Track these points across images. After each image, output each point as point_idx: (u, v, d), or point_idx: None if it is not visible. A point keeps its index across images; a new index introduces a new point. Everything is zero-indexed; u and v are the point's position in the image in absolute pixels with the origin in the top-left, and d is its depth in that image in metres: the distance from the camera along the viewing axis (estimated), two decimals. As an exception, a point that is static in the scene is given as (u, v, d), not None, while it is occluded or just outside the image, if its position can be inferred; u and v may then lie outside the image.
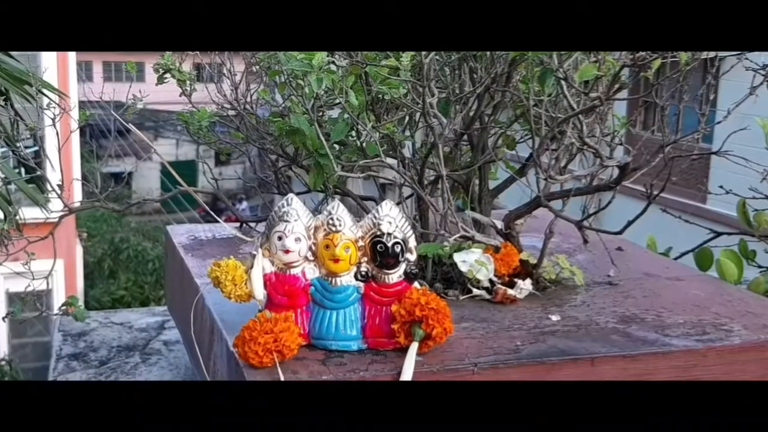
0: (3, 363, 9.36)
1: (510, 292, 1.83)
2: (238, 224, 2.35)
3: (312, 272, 1.57)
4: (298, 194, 1.69)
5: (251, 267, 1.56)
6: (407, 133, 2.09)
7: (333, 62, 1.80)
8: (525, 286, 1.85)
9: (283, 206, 1.58)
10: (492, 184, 2.10)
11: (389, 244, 1.54)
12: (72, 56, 10.28)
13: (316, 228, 1.57)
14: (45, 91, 2.65)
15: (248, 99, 2.29)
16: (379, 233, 1.55)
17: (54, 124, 2.18)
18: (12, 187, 3.02)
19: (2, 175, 2.80)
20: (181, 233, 2.39)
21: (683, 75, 1.75)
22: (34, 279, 2.19)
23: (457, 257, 1.85)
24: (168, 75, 2.21)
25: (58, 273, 8.84)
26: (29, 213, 2.72)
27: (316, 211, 1.70)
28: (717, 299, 1.91)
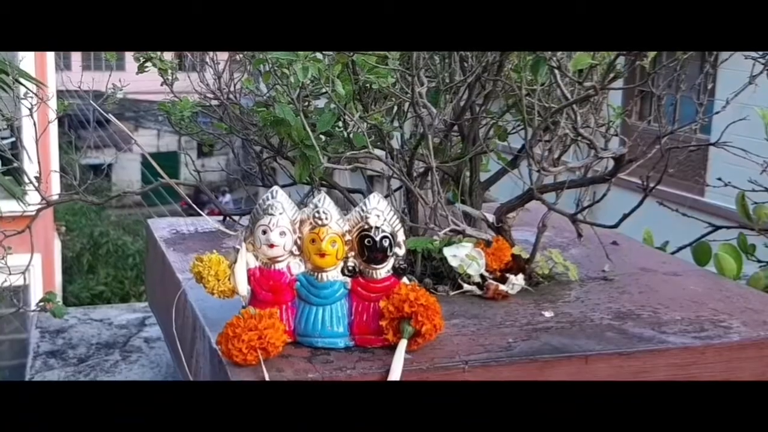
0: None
1: (502, 287, 1.81)
2: (221, 217, 2.32)
3: (297, 267, 1.55)
4: (283, 187, 1.68)
5: (235, 262, 1.54)
6: (396, 123, 2.07)
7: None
8: (517, 281, 1.83)
9: (268, 199, 1.55)
10: (483, 176, 2.09)
11: (377, 238, 1.52)
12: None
13: (302, 221, 1.55)
14: (22, 80, 2.60)
15: (232, 88, 2.27)
16: (366, 227, 1.53)
17: (31, 114, 2.16)
18: (-12, 179, 2.98)
19: (-22, 167, 2.76)
20: (162, 227, 2.38)
21: (680, 64, 1.75)
22: (10, 274, 2.17)
23: (448, 252, 1.82)
24: (149, 64, 2.19)
25: (35, 268, 8.80)
26: (6, 206, 2.67)
27: (301, 204, 1.71)
28: (715, 295, 1.89)
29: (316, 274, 1.54)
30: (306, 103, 2.01)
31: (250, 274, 1.54)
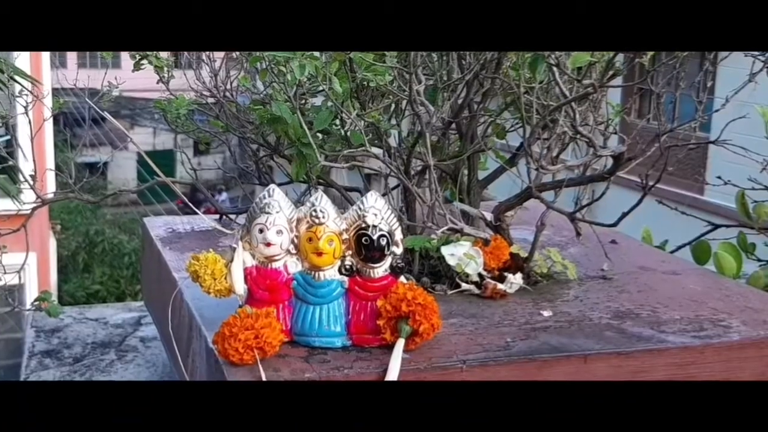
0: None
1: (500, 286, 1.80)
2: (217, 216, 2.32)
3: (294, 266, 1.54)
4: (279, 185, 1.67)
5: (231, 260, 1.53)
6: (393, 121, 2.06)
7: (316, 48, 1.77)
8: (515, 280, 1.82)
9: (265, 197, 1.54)
10: (481, 175, 2.08)
11: (374, 237, 1.51)
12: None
13: (299, 220, 1.53)
14: (17, 77, 2.58)
15: (228, 86, 2.26)
16: (364, 225, 1.52)
17: (26, 112, 2.15)
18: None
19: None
20: (158, 225, 2.36)
21: (680, 61, 1.74)
22: (5, 273, 2.16)
23: (445, 250, 1.81)
24: (145, 61, 2.17)
25: (30, 267, 8.79)
26: (0, 204, 2.65)
27: (298, 203, 1.70)
28: (715, 294, 1.88)
29: (313, 273, 1.53)
30: (303, 101, 2.00)
31: (247, 273, 1.53)
